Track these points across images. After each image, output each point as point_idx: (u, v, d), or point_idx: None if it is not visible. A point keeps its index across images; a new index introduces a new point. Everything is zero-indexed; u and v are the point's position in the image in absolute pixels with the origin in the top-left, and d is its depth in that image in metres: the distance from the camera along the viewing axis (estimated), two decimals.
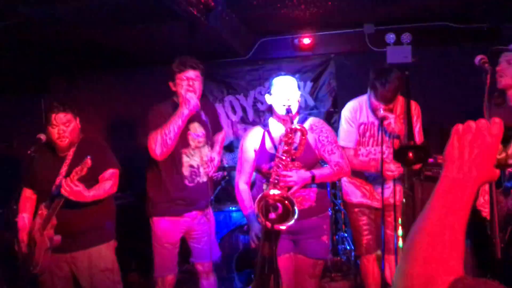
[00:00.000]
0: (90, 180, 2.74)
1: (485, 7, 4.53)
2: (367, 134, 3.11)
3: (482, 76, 2.43)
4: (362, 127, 3.12)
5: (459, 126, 0.91)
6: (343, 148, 2.99)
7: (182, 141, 2.94)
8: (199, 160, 3.03)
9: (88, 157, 2.63)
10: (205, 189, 3.04)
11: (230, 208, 4.34)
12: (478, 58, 2.29)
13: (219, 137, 3.29)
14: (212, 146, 3.17)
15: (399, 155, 2.70)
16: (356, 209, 3.22)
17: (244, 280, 3.86)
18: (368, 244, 3.19)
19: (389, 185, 3.09)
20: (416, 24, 4.90)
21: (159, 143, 2.80)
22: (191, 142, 3.00)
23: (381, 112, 2.91)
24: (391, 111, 2.99)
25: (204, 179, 3.05)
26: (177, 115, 2.81)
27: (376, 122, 3.07)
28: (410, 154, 2.63)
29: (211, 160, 3.04)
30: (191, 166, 3.00)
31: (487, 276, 3.77)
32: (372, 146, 3.13)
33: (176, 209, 2.98)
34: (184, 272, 4.06)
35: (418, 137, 3.03)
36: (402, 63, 4.80)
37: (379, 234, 3.22)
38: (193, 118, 2.97)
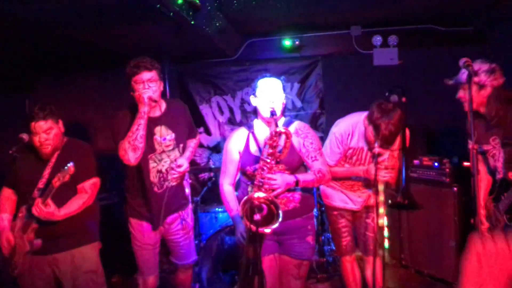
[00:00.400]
0: (70, 185, 2.72)
1: (470, 11, 4.59)
2: (354, 158, 3.11)
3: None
4: (350, 151, 3.09)
5: None
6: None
7: (148, 147, 2.83)
8: (167, 165, 2.92)
9: (71, 164, 2.61)
10: (175, 192, 2.97)
11: (217, 209, 4.33)
12: (462, 61, 2.32)
13: (192, 142, 3.16)
14: (183, 150, 3.04)
15: (393, 206, 2.96)
16: (335, 212, 3.27)
17: (229, 281, 3.85)
18: (347, 246, 3.28)
19: (369, 191, 3.15)
20: (403, 26, 4.95)
21: (129, 149, 2.71)
22: (157, 147, 2.89)
23: (376, 149, 2.87)
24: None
25: (173, 182, 2.94)
26: (138, 117, 2.72)
27: (365, 148, 3.06)
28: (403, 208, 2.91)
29: (178, 166, 2.89)
30: (159, 171, 2.91)
31: None
32: (358, 167, 3.14)
33: (151, 220, 2.95)
34: (167, 273, 4.04)
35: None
36: (389, 65, 4.85)
37: (358, 235, 3.31)
38: (159, 121, 2.88)
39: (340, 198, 3.23)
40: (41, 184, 2.72)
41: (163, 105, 2.94)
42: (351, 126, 3.06)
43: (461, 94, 2.63)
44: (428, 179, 4.30)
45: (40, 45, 4.43)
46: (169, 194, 2.89)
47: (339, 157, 3.10)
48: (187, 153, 3.05)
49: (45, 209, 2.57)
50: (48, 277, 2.82)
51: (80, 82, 5.63)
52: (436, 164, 4.26)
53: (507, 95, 2.56)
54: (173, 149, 2.94)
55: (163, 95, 2.97)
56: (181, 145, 3.01)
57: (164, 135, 2.90)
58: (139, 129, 2.71)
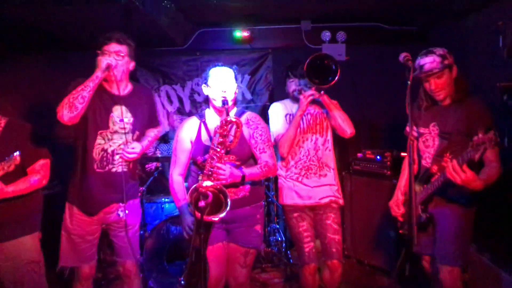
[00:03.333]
0: (17, 171, 2.58)
1: (413, 11, 4.79)
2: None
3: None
4: (288, 116, 3.21)
5: None
6: (278, 138, 3.12)
7: (101, 122, 2.75)
8: (116, 146, 2.78)
9: (18, 153, 2.48)
10: (118, 181, 2.77)
11: (163, 199, 4.27)
12: (402, 56, 2.39)
13: (152, 132, 3.06)
14: (137, 139, 2.91)
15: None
16: (295, 214, 3.12)
17: (174, 271, 3.82)
18: (310, 252, 3.08)
19: (325, 182, 3.13)
20: (351, 23, 5.09)
21: (66, 105, 2.59)
22: (111, 125, 2.77)
23: (300, 88, 3.13)
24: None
25: (119, 169, 2.79)
26: (89, 79, 2.65)
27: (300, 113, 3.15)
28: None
29: (131, 148, 2.79)
30: (104, 150, 2.76)
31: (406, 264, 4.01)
32: (300, 134, 3.15)
33: (85, 204, 2.77)
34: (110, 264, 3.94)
35: None
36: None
37: (320, 239, 3.14)
38: (120, 100, 2.79)
39: (297, 196, 3.11)
40: None
41: (129, 87, 2.89)
42: (280, 101, 3.34)
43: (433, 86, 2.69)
44: (370, 172, 4.47)
45: None
46: (111, 178, 2.76)
47: (285, 125, 3.18)
48: (145, 142, 2.96)
49: None
50: None
51: (22, 66, 5.31)
52: (378, 157, 4.43)
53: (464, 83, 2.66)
54: (127, 132, 2.81)
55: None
56: (137, 133, 2.89)
57: (122, 116, 2.79)
58: (84, 90, 2.62)
